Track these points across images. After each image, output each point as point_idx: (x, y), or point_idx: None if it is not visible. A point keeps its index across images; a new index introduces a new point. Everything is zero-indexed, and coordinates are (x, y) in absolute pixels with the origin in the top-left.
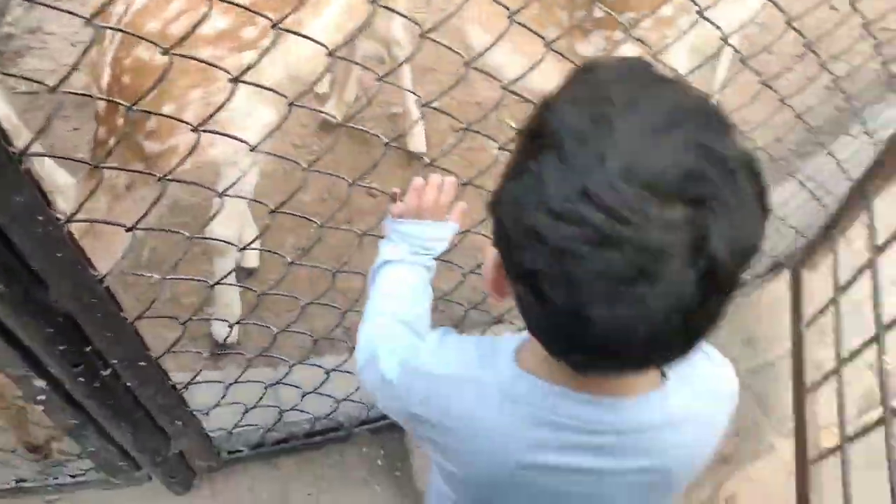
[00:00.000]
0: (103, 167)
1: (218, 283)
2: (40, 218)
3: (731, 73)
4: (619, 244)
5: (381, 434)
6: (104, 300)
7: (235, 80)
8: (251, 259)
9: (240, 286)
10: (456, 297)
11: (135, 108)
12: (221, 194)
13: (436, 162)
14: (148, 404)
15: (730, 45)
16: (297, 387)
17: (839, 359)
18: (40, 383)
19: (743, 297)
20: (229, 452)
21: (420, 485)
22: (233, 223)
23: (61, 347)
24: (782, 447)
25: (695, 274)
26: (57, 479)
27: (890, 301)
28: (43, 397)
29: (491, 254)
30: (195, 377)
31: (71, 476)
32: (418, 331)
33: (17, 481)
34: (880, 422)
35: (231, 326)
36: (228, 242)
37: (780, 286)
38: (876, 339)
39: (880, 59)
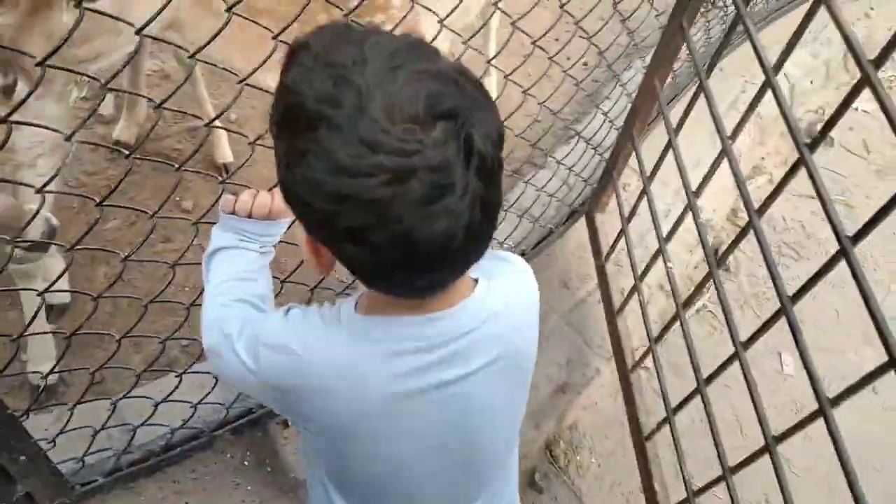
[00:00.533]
0: None
1: (48, 289)
2: None
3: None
4: (413, 173)
5: (243, 434)
6: None
7: (42, 63)
8: (62, 295)
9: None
10: (300, 277)
11: None
12: (40, 189)
13: (243, 169)
14: None
15: (500, 9)
16: (148, 398)
17: (636, 275)
18: None
19: (549, 244)
20: (83, 485)
21: (296, 476)
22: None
23: None
24: (606, 370)
25: (473, 171)
26: None
27: (665, 229)
28: None
29: (303, 235)
30: (36, 399)
31: None
32: (263, 308)
33: None
34: (675, 317)
35: (53, 369)
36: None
37: (581, 232)
38: (660, 252)
39: (626, 32)
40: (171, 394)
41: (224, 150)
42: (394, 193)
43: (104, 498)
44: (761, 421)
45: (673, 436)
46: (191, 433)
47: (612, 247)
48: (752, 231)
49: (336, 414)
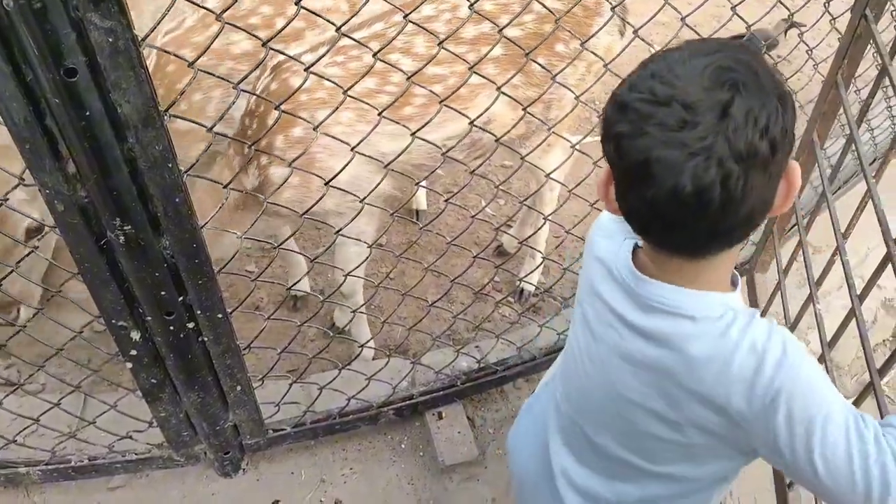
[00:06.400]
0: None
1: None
2: (170, 165)
3: None
4: (668, 102)
5: (404, 421)
6: (202, 247)
7: None
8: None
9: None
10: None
11: None
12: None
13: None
14: (217, 363)
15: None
16: (333, 361)
17: (787, 325)
18: (136, 335)
19: None
20: (274, 430)
21: (444, 461)
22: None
23: (162, 293)
24: None
25: (723, 134)
26: (125, 455)
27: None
28: (135, 352)
29: (605, 171)
30: (256, 336)
31: (137, 453)
32: None
33: (90, 459)
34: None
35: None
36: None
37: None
38: (810, 298)
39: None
40: (350, 363)
41: (420, 199)
42: (649, 111)
43: (288, 448)
44: None
45: None
46: (363, 406)
47: (770, 301)
48: None
49: None
